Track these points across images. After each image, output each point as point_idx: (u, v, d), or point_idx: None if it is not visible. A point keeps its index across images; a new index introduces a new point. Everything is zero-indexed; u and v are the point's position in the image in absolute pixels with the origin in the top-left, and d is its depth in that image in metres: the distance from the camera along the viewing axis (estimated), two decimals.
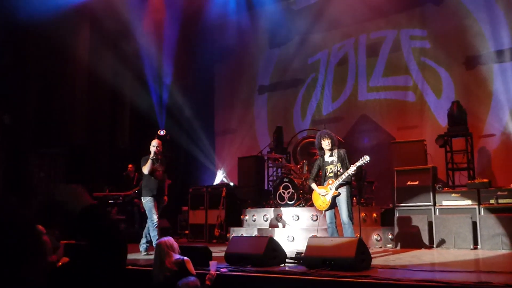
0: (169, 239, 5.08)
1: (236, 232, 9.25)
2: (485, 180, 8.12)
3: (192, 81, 13.82)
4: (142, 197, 7.66)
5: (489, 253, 7.00)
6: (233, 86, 14.35)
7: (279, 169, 11.36)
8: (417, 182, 8.44)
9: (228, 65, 14.60)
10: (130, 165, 11.11)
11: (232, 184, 11.89)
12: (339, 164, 6.56)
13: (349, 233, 6.38)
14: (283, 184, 9.41)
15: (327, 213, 6.60)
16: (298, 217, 8.87)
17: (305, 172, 9.72)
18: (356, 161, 6.45)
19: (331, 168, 6.61)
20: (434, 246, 7.85)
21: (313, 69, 13.01)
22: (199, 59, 13.56)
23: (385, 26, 11.90)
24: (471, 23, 10.57)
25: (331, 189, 6.49)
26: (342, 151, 6.70)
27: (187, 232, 11.11)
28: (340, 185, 6.47)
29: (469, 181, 8.47)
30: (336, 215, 6.66)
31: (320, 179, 6.82)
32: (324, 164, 6.71)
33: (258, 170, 11.55)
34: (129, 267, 5.88)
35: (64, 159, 11.50)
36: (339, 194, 6.47)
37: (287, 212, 9.04)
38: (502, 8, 10.26)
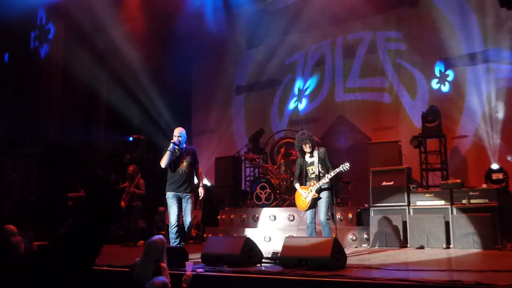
0: (164, 240, 4.87)
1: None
2: (458, 181, 8.26)
3: (170, 81, 13.70)
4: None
5: (461, 252, 7.14)
6: (210, 86, 14.29)
7: (256, 170, 11.39)
8: (392, 183, 8.55)
9: (206, 65, 14.53)
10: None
11: (209, 184, 11.86)
12: (319, 165, 6.70)
13: (326, 232, 6.54)
14: (260, 185, 9.43)
15: (308, 213, 6.74)
16: (275, 217, 8.90)
17: (282, 172, 9.76)
18: (337, 167, 6.59)
19: (312, 169, 6.76)
20: (408, 245, 7.97)
21: (290, 70, 13.07)
22: (176, 59, 13.45)
23: (361, 28, 12.01)
24: (445, 26, 10.76)
25: (311, 191, 6.64)
26: (322, 150, 6.83)
27: (163, 232, 10.97)
28: (322, 189, 6.62)
29: (442, 182, 8.61)
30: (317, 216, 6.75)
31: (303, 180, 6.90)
32: (304, 164, 6.84)
33: (235, 170, 11.55)
34: (105, 268, 5.81)
35: (38, 159, 11.30)
36: (319, 198, 6.63)
37: (264, 212, 9.06)
38: (474, 11, 10.47)
